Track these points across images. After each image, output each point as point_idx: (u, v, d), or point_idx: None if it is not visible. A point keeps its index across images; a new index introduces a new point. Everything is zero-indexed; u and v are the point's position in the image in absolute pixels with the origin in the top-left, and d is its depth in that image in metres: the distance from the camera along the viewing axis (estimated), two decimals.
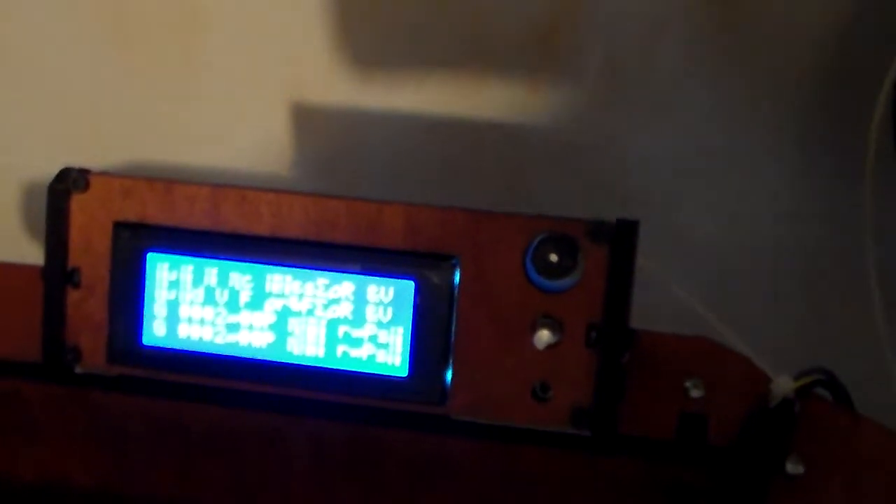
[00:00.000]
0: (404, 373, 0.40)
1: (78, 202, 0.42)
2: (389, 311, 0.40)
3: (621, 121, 0.58)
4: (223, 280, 0.41)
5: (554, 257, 0.39)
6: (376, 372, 0.40)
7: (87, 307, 0.42)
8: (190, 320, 0.41)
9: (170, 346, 0.42)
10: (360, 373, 0.40)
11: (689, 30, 0.55)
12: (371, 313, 0.40)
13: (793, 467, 0.39)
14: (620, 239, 0.39)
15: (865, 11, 0.53)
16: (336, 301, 0.40)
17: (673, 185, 0.58)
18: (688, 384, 0.41)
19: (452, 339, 0.40)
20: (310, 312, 0.41)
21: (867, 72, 0.49)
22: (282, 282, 0.41)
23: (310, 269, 0.40)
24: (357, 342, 0.40)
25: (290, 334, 0.41)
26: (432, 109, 0.59)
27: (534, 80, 0.58)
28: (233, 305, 0.41)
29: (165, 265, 0.41)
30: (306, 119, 0.60)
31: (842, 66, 0.54)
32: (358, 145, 0.60)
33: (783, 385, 0.40)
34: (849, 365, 0.43)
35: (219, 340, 0.41)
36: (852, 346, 0.53)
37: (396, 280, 0.40)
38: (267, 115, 0.60)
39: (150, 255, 0.41)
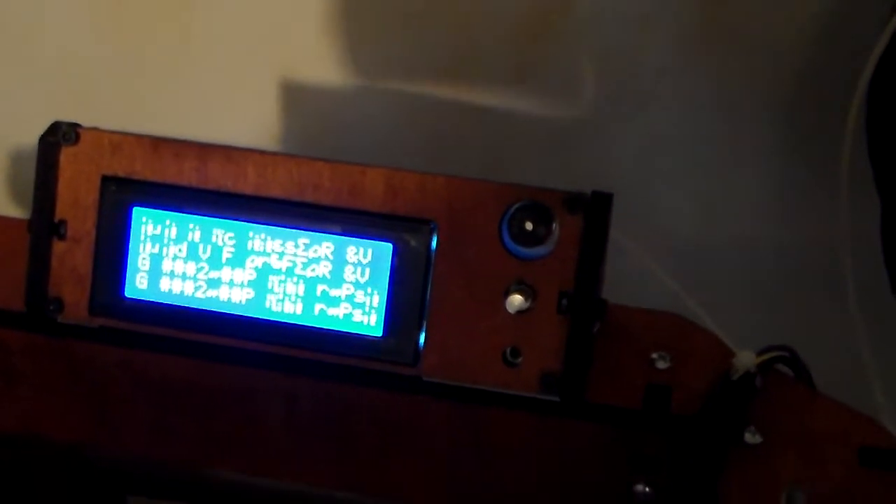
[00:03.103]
0: (379, 333, 0.41)
1: (67, 155, 0.43)
2: (367, 271, 0.41)
3: (606, 113, 0.59)
4: (206, 236, 0.42)
5: (529, 225, 0.40)
6: (352, 331, 0.41)
7: (72, 259, 0.43)
8: (172, 274, 0.42)
9: (151, 300, 0.43)
10: (337, 331, 0.42)
11: (675, 27, 0.56)
12: (349, 273, 0.41)
13: (751, 437, 0.40)
14: (595, 210, 0.40)
15: (849, 13, 0.55)
16: (316, 260, 0.41)
17: (654, 178, 0.60)
18: (655, 356, 0.42)
19: (427, 301, 0.41)
20: (289, 271, 0.42)
21: (849, 74, 0.51)
22: (263, 240, 0.42)
23: (291, 228, 0.42)
24: (334, 301, 0.41)
25: (270, 291, 0.42)
26: (420, 92, 0.60)
27: (521, 68, 0.59)
28: (215, 261, 0.42)
29: (150, 220, 0.42)
30: (295, 97, 0.61)
31: (825, 67, 0.56)
32: (345, 124, 0.61)
33: (745, 359, 0.41)
34: (824, 361, 0.45)
35: (199, 295, 0.42)
36: (828, 342, 0.54)
37: (375, 242, 0.41)
38: (256, 93, 0.61)
39: (135, 210, 0.42)
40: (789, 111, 0.57)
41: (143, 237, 0.42)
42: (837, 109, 0.51)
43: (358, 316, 0.41)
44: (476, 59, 0.59)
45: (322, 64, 0.60)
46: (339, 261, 0.41)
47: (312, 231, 0.41)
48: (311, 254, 0.41)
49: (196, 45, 0.61)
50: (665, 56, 0.57)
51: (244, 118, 0.62)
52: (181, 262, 0.42)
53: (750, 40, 0.56)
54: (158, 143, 0.42)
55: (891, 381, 0.51)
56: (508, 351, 0.41)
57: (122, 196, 0.42)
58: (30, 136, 0.45)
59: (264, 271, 0.42)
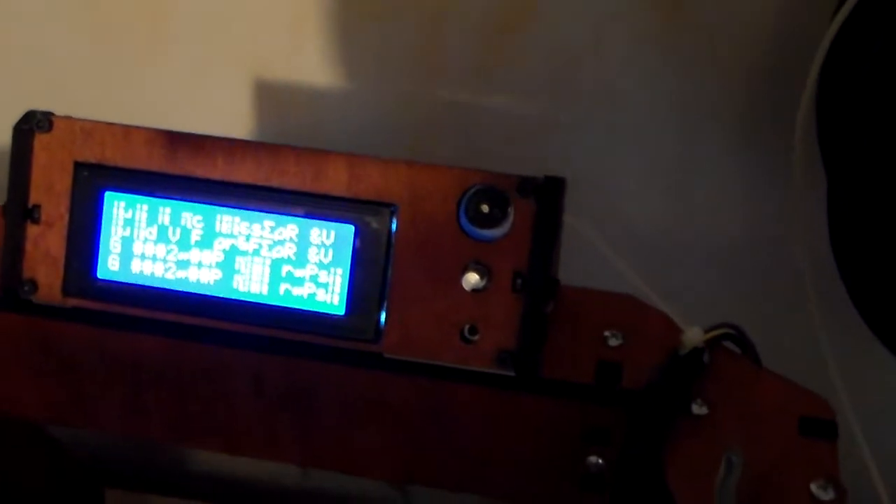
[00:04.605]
0: (342, 311, 0.43)
1: (41, 142, 0.44)
2: (330, 252, 0.43)
3: (571, 107, 0.60)
4: (175, 219, 0.44)
5: (485, 208, 0.42)
6: (316, 310, 0.43)
7: (46, 242, 0.45)
8: (143, 256, 0.44)
9: (123, 281, 0.44)
10: (301, 310, 0.43)
11: (638, 23, 0.58)
12: (313, 255, 0.43)
13: (698, 408, 0.41)
14: (548, 194, 0.42)
15: (806, 7, 0.56)
16: (281, 242, 0.43)
17: (616, 170, 0.61)
18: (607, 334, 0.44)
19: (388, 281, 0.43)
20: (256, 252, 0.43)
21: (804, 67, 0.52)
22: (231, 223, 0.43)
23: (257, 211, 0.43)
24: (299, 281, 0.43)
25: (237, 272, 0.43)
26: (390, 87, 0.61)
27: (489, 65, 0.60)
28: (184, 243, 0.44)
29: (122, 204, 0.44)
30: (268, 94, 0.62)
31: (782, 60, 0.57)
32: (317, 119, 0.62)
33: (694, 335, 0.43)
34: (781, 347, 0.46)
35: (169, 276, 0.44)
36: (785, 329, 0.56)
37: (338, 224, 0.43)
38: (229, 90, 0.62)
39: (107, 194, 0.44)
40: (747, 104, 0.59)
41: (114, 221, 0.44)
42: (793, 102, 0.53)
43: (321, 295, 0.43)
44: (445, 54, 0.60)
45: (295, 59, 0.61)
46: (303, 242, 0.43)
47: (277, 214, 0.43)
48: (276, 236, 0.43)
49: (170, 44, 0.62)
50: (628, 53, 0.59)
51: (217, 113, 0.63)
52: (151, 245, 0.44)
53: (709, 36, 0.58)
54: (129, 131, 0.44)
55: (847, 367, 0.52)
56: (466, 329, 0.43)
57: (94, 181, 0.44)
58: (1, 130, 0.47)
59: (231, 253, 0.43)
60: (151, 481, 0.70)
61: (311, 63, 0.61)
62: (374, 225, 0.43)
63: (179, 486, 0.71)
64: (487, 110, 0.61)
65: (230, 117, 0.63)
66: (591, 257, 0.54)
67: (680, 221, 0.61)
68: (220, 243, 0.43)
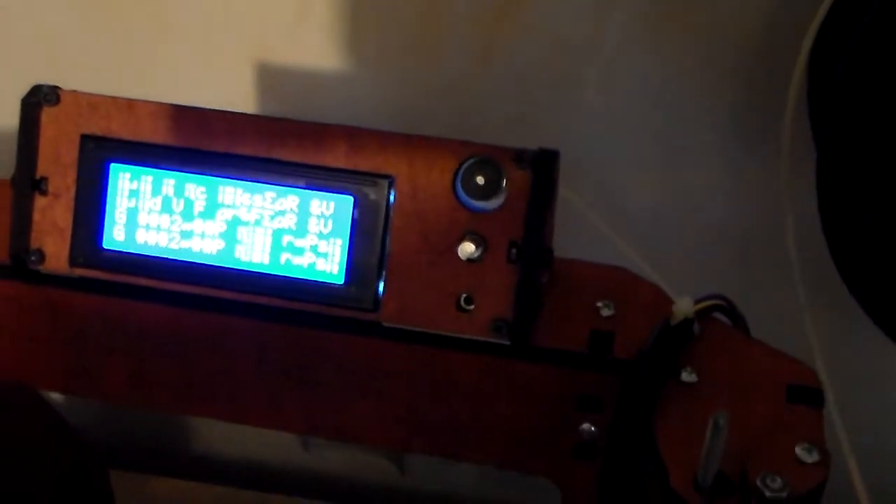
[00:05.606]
0: (341, 280, 0.44)
1: (48, 115, 0.45)
2: (330, 223, 0.44)
3: (567, 94, 0.61)
4: (179, 190, 0.45)
5: (481, 180, 0.43)
6: (316, 279, 0.44)
7: (53, 213, 0.46)
8: (147, 227, 0.45)
9: (128, 251, 0.45)
10: (301, 279, 0.44)
11: (632, 9, 0.59)
12: (313, 225, 0.44)
13: (687, 376, 0.42)
14: (542, 166, 0.43)
15: None
16: (282, 213, 0.44)
17: (612, 156, 0.62)
18: (600, 304, 0.45)
19: (386, 251, 0.44)
20: (257, 222, 0.44)
21: (795, 51, 0.53)
22: (233, 194, 0.44)
23: (259, 182, 0.44)
24: (299, 251, 0.44)
25: (239, 242, 0.45)
26: (390, 72, 0.62)
27: (487, 48, 0.61)
28: (187, 214, 0.45)
29: (127, 175, 0.45)
30: (269, 79, 0.63)
31: (773, 45, 0.58)
32: (318, 103, 0.63)
33: (684, 306, 0.44)
34: (767, 325, 0.47)
35: (173, 246, 0.45)
36: (771, 308, 0.57)
37: (337, 195, 0.44)
38: (231, 76, 0.63)
39: (112, 166, 0.45)
40: (741, 84, 0.60)
41: (119, 192, 0.45)
42: (784, 80, 0.54)
43: (321, 265, 0.44)
44: (444, 39, 0.61)
45: (295, 41, 0.62)
46: (303, 213, 0.44)
47: (279, 185, 0.44)
48: (277, 206, 0.44)
49: (171, 28, 0.62)
50: (625, 36, 0.59)
51: (219, 101, 0.63)
52: (156, 216, 0.45)
53: (701, 18, 0.59)
54: (134, 104, 0.45)
55: (831, 351, 0.54)
56: (462, 298, 0.44)
57: (99, 153, 0.45)
58: (5, 113, 0.48)
59: (234, 223, 0.44)
60: (155, 463, 0.71)
61: (312, 45, 0.61)
62: (373, 196, 0.44)
63: (184, 468, 0.72)
64: (485, 93, 0.62)
65: (231, 98, 0.63)
66: (586, 233, 0.55)
67: (672, 201, 0.62)
68: (222, 214, 0.45)
